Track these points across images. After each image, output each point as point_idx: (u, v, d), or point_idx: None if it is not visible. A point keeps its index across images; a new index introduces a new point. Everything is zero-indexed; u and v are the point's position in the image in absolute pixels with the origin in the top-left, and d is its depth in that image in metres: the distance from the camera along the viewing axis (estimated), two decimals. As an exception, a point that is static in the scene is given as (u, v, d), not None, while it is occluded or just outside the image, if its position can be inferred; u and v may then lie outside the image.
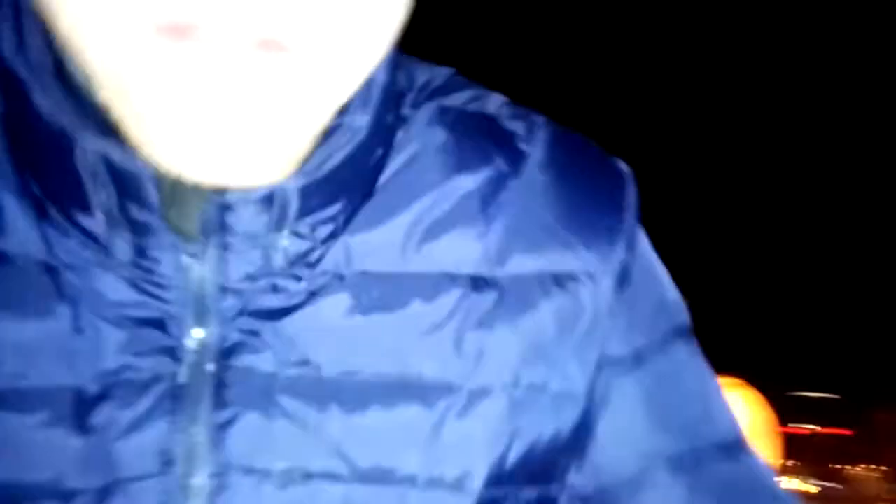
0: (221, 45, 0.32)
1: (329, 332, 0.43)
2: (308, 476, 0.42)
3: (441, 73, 0.51)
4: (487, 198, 0.47)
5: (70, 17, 0.34)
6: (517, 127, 0.49)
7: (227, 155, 0.35)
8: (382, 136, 0.45)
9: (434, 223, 0.46)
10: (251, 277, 0.42)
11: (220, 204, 0.40)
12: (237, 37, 0.33)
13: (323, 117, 0.39)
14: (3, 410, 0.40)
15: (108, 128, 0.37)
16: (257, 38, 0.33)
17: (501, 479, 0.45)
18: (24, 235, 0.41)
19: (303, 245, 0.42)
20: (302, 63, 0.34)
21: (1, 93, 0.41)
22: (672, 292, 0.52)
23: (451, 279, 0.45)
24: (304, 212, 0.41)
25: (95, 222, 0.40)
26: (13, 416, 0.40)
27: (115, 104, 0.36)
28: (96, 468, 0.40)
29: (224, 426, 0.42)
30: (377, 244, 0.45)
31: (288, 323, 0.43)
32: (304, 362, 0.43)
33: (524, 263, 0.46)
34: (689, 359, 0.52)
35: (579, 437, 0.48)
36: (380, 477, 0.43)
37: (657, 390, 0.50)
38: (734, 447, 0.52)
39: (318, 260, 0.43)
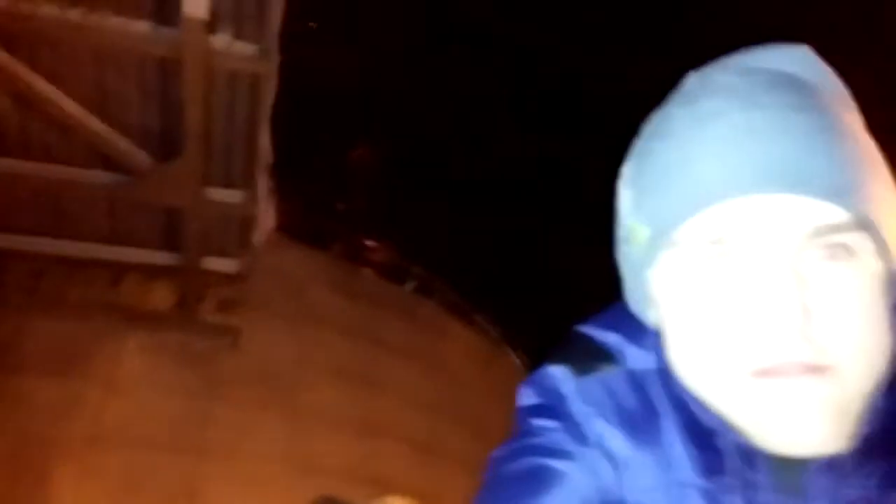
0: (790, 378, 0.65)
1: None
2: None
3: None
4: None
5: (700, 375, 0.70)
6: None
7: (803, 438, 0.66)
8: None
9: None
10: None
11: (806, 471, 0.68)
12: (796, 370, 0.65)
13: (856, 408, 0.67)
14: None
15: (731, 427, 0.69)
16: (806, 367, 0.65)
17: None
18: (687, 465, 0.73)
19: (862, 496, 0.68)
20: (833, 378, 0.65)
21: (673, 400, 0.75)
22: None
23: None
24: (863, 472, 0.68)
25: (728, 481, 0.71)
26: None
27: (731, 417, 0.69)
28: None
29: None
30: None
31: None
32: None
33: None
34: None
35: None
36: None
37: None
38: None
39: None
